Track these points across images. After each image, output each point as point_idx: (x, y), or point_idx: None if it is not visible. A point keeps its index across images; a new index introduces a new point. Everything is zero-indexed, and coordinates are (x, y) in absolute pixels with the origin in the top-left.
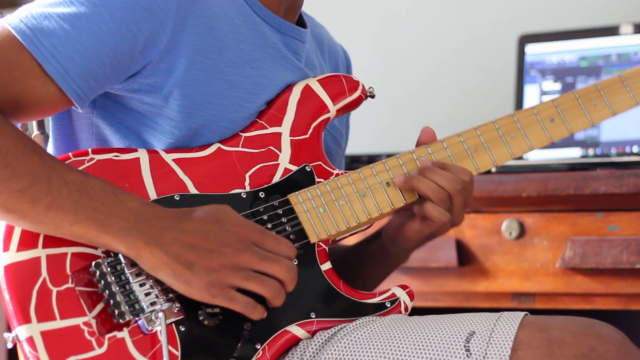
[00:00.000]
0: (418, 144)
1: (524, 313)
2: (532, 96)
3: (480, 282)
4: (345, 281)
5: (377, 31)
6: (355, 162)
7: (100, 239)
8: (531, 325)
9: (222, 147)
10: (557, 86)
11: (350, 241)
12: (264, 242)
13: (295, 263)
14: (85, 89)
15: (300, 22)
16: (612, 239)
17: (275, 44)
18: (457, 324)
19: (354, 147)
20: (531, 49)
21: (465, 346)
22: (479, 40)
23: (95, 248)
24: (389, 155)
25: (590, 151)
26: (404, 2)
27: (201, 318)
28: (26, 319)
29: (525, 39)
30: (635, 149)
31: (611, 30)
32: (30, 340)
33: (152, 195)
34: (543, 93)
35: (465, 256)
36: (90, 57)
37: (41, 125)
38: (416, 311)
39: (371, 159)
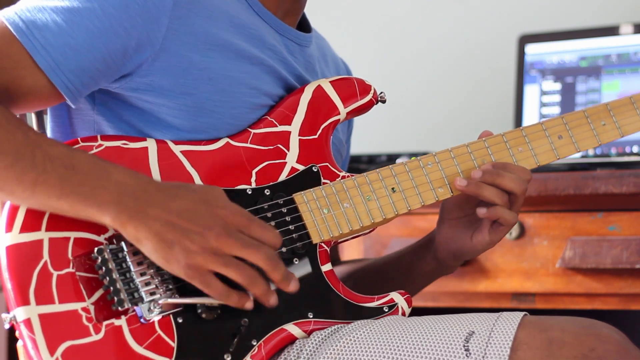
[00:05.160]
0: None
1: (524, 313)
2: (532, 96)
3: (480, 282)
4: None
5: (378, 31)
6: (355, 162)
7: (85, 212)
8: (531, 326)
9: (231, 142)
10: (557, 86)
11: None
12: (249, 228)
13: (296, 262)
14: (76, 83)
15: (303, 27)
16: (612, 239)
17: (273, 45)
18: (456, 324)
19: (354, 147)
20: (531, 49)
21: (464, 346)
22: (479, 40)
23: (98, 234)
24: (389, 155)
25: (590, 151)
26: (404, 2)
27: (199, 311)
28: (25, 301)
29: (525, 39)
30: (635, 149)
31: (611, 30)
32: (28, 323)
33: None
34: (543, 93)
35: None
36: (82, 52)
37: (41, 125)
38: (416, 311)
39: (371, 159)
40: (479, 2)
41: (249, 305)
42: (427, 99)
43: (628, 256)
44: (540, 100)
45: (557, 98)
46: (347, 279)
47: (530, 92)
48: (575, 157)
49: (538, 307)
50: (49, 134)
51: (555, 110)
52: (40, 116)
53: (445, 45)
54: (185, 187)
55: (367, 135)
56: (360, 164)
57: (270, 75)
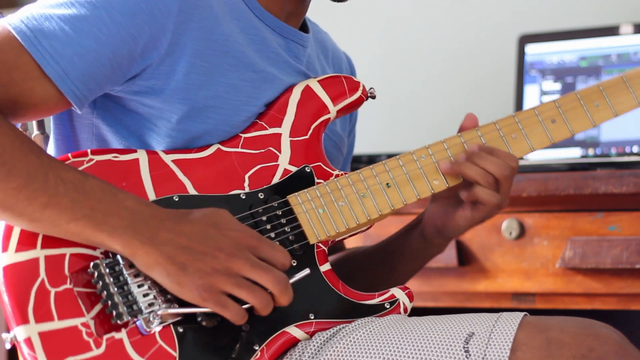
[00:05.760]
0: (461, 130)
1: (523, 314)
2: (532, 96)
3: (480, 282)
4: (378, 277)
5: (378, 31)
6: (355, 162)
7: (96, 237)
8: (530, 326)
9: (222, 148)
10: (557, 86)
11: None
12: (259, 248)
13: (295, 264)
14: (84, 91)
15: (304, 27)
16: (612, 239)
17: (276, 48)
18: (456, 325)
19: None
20: (531, 49)
21: (464, 347)
22: (479, 40)
23: (94, 249)
24: (389, 155)
25: (590, 151)
26: (405, 3)
27: (199, 319)
28: (24, 320)
29: (525, 39)
30: (635, 149)
31: (611, 30)
32: (28, 341)
33: (151, 196)
34: (543, 93)
35: (465, 256)
36: (90, 60)
37: (41, 126)
38: (416, 311)
39: (371, 159)
40: (479, 2)
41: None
42: (427, 99)
43: (628, 256)
44: (540, 100)
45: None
46: (337, 266)
47: (530, 92)
48: (575, 157)
49: (538, 307)
50: (51, 137)
51: None
52: (40, 119)
53: (445, 45)
54: (193, 212)
55: (367, 135)
56: (360, 164)
57: (271, 82)
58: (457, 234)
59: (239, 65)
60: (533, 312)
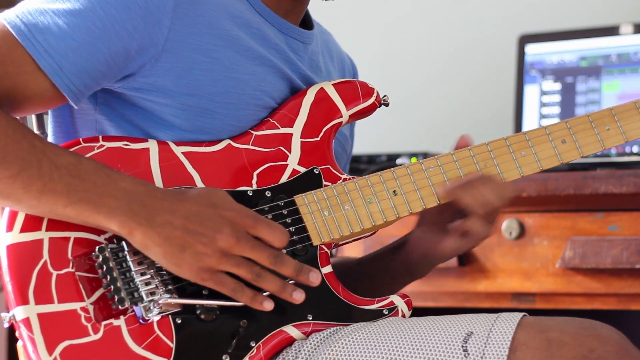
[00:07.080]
0: (457, 149)
1: (522, 314)
2: (532, 96)
3: (480, 282)
4: (360, 292)
5: (378, 31)
6: (355, 162)
7: (93, 219)
8: (530, 326)
9: (233, 143)
10: (557, 86)
11: (350, 250)
12: (256, 227)
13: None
14: (79, 85)
15: (306, 25)
16: (612, 239)
17: (276, 44)
18: (455, 325)
19: (354, 147)
20: (531, 49)
21: (463, 346)
22: (479, 40)
23: (99, 234)
24: (389, 155)
25: None
26: (404, 3)
27: (198, 312)
28: (24, 300)
29: (525, 39)
30: (635, 149)
31: (611, 30)
32: (27, 322)
33: (159, 186)
34: (543, 93)
35: (465, 256)
36: (84, 54)
37: (41, 125)
38: (416, 311)
39: (371, 159)
40: (479, 2)
41: (267, 304)
42: (427, 99)
43: (628, 256)
44: (540, 100)
45: (557, 98)
46: None
47: (530, 92)
48: None
49: (538, 307)
50: (50, 134)
51: (555, 110)
52: (40, 117)
53: (445, 46)
54: (190, 192)
55: (367, 135)
56: (360, 164)
57: (275, 75)
58: (443, 261)
59: (242, 59)
60: (533, 312)
